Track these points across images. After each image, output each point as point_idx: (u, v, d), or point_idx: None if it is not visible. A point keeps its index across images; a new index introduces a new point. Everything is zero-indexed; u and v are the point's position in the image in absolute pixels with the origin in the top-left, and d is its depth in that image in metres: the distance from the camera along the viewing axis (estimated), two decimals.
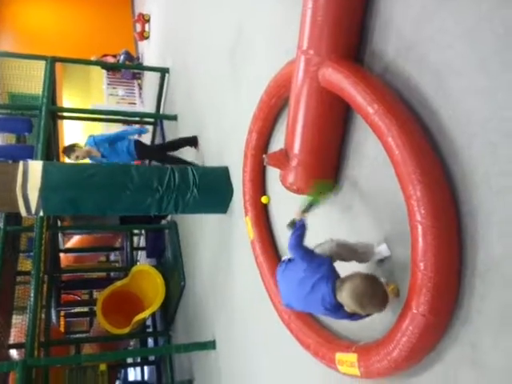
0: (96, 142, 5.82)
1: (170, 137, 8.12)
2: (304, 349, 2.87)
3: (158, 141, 8.75)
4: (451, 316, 2.01)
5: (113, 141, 5.91)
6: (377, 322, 2.49)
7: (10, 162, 6.57)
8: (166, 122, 8.35)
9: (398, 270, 2.36)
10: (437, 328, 2.02)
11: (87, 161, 5.89)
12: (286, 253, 3.62)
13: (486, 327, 1.88)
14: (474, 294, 1.93)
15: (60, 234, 9.95)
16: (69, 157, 5.79)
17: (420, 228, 1.98)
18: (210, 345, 5.39)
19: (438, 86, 2.07)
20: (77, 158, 5.71)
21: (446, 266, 1.96)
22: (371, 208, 2.60)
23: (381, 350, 2.17)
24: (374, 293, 2.07)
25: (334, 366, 2.52)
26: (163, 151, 6.47)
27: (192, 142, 6.24)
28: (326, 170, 2.83)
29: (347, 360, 2.40)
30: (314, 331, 2.82)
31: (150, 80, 10.53)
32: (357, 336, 2.62)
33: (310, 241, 3.26)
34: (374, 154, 2.52)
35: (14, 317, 6.63)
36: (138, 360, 10.33)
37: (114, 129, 5.88)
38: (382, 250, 2.46)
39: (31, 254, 6.37)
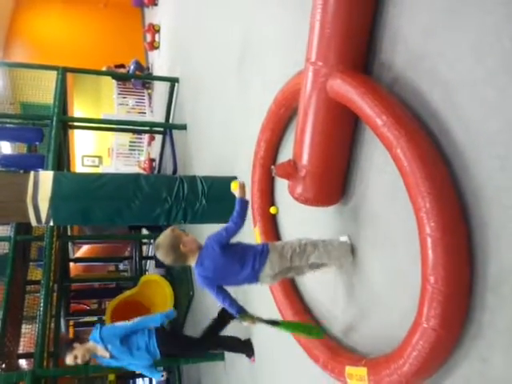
0: (103, 336, 4.16)
1: (179, 146, 8.13)
2: (313, 361, 2.84)
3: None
4: (462, 330, 1.98)
5: (126, 336, 4.23)
6: (387, 336, 2.46)
7: (21, 171, 6.63)
8: (175, 132, 8.38)
9: (407, 283, 2.33)
10: (447, 342, 1.99)
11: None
12: None
13: (497, 342, 1.84)
14: (485, 307, 1.90)
15: (70, 244, 9.99)
16: (64, 357, 4.21)
17: (430, 241, 1.95)
18: (219, 356, 5.37)
19: (447, 98, 2.05)
20: (75, 359, 4.08)
21: (457, 280, 1.93)
22: (379, 220, 2.58)
23: (391, 363, 2.14)
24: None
25: (344, 380, 2.49)
26: (198, 344, 4.75)
27: (244, 348, 4.57)
28: (334, 180, 2.81)
29: (357, 374, 2.37)
30: (324, 344, 2.79)
31: (160, 89, 10.60)
32: (367, 349, 2.60)
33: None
34: (382, 165, 2.51)
35: (24, 326, 6.65)
36: None
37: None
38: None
39: (41, 263, 6.40)
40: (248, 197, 2.77)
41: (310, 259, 2.70)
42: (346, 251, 2.76)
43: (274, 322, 2.83)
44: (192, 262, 2.66)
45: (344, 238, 2.82)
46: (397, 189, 2.30)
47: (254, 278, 2.67)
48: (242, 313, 2.74)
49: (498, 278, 1.85)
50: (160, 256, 2.62)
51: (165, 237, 2.61)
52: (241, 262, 2.63)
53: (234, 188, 2.83)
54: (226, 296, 2.75)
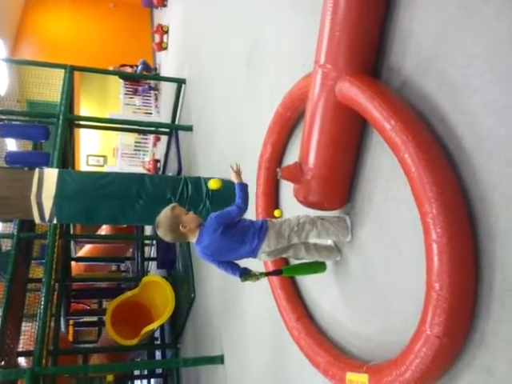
0: None
1: (184, 147, 8.13)
2: (314, 367, 2.81)
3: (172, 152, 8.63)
4: (466, 339, 1.95)
5: None
6: (389, 341, 2.44)
7: (26, 168, 6.63)
8: (181, 133, 8.37)
9: (411, 287, 2.30)
10: (451, 350, 1.96)
11: None
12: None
13: (502, 352, 1.81)
14: (490, 316, 1.87)
15: (72, 243, 9.98)
16: None
17: (435, 247, 1.92)
18: (218, 359, 5.33)
19: (456, 103, 2.03)
20: None
21: (462, 287, 1.90)
22: (384, 222, 2.56)
23: (393, 370, 2.11)
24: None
25: None
26: None
27: None
28: (340, 184, 2.79)
29: (358, 380, 2.34)
30: (324, 349, 2.76)
31: (167, 90, 10.61)
32: (368, 356, 2.57)
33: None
34: (389, 170, 2.48)
35: (24, 324, 6.63)
36: (145, 372, 10.26)
37: None
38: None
39: (43, 261, 6.39)
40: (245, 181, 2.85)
41: (308, 237, 2.75)
42: (344, 228, 2.80)
43: (277, 272, 2.93)
44: (192, 240, 2.71)
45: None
46: (403, 194, 2.28)
47: (251, 253, 2.73)
48: (245, 274, 2.76)
49: (504, 286, 1.82)
50: (160, 234, 2.67)
51: (165, 216, 2.63)
52: (240, 242, 2.68)
53: (213, 186, 2.96)
54: (227, 266, 2.79)
